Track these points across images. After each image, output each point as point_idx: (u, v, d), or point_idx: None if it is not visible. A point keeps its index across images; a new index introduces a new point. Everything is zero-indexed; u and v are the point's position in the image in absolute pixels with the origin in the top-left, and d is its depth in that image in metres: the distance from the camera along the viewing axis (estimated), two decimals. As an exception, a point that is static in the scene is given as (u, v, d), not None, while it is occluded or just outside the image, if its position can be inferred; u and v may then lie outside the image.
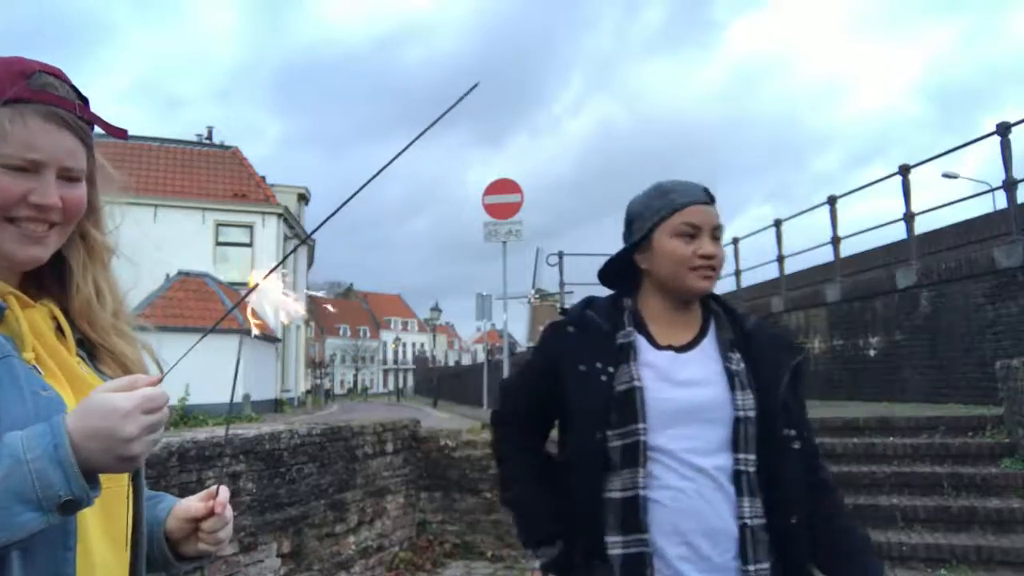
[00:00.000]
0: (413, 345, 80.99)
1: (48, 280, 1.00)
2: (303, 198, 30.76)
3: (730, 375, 1.44)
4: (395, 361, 68.96)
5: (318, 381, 51.99)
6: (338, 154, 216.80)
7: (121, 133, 1.01)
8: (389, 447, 5.92)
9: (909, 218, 9.12)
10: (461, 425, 9.01)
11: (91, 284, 1.01)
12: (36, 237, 0.92)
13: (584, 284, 15.46)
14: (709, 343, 1.51)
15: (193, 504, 1.06)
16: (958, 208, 17.13)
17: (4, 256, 0.91)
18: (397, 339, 71.92)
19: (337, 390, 65.28)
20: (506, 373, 11.16)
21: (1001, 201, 8.85)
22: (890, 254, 11.66)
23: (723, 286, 14.22)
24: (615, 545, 1.39)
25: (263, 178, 27.16)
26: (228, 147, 27.63)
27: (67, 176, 0.94)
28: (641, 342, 1.49)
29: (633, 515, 1.38)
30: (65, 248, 0.99)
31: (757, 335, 1.52)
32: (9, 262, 0.92)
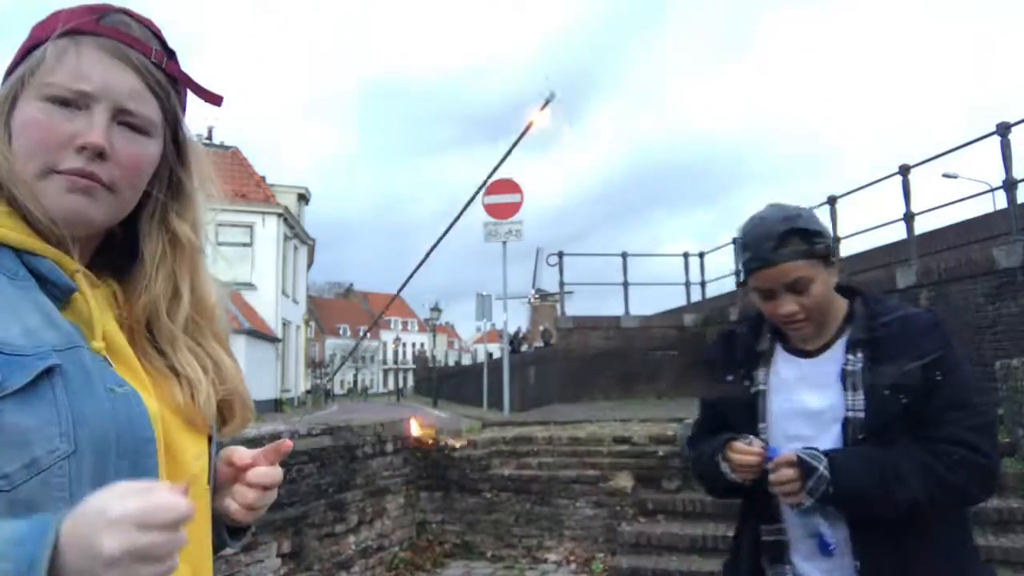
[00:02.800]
0: (413, 345, 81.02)
1: (118, 263, 0.85)
2: (303, 198, 30.79)
3: (843, 376, 1.44)
4: (395, 361, 68.99)
5: (318, 381, 52.01)
6: (395, 167, 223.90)
7: (216, 99, 0.87)
8: (389, 447, 5.92)
9: (909, 218, 9.12)
10: (461, 425, 9.01)
11: (164, 282, 0.84)
12: (81, 187, 0.75)
13: (584, 284, 15.51)
14: (840, 345, 1.49)
15: (242, 451, 0.89)
16: (958, 208, 17.14)
17: (50, 214, 0.75)
18: (397, 339, 71.93)
19: (337, 390, 65.30)
20: (506, 373, 11.15)
21: (1001, 201, 8.85)
22: (890, 254, 11.65)
23: (723, 286, 14.21)
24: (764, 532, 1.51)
25: (263, 178, 27.19)
26: (228, 147, 27.66)
27: (128, 123, 0.78)
28: (778, 348, 1.56)
29: (767, 506, 1.49)
30: (142, 234, 0.85)
31: (889, 331, 1.45)
32: (58, 221, 0.75)
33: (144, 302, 0.83)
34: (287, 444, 0.87)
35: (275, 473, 0.87)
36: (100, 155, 0.75)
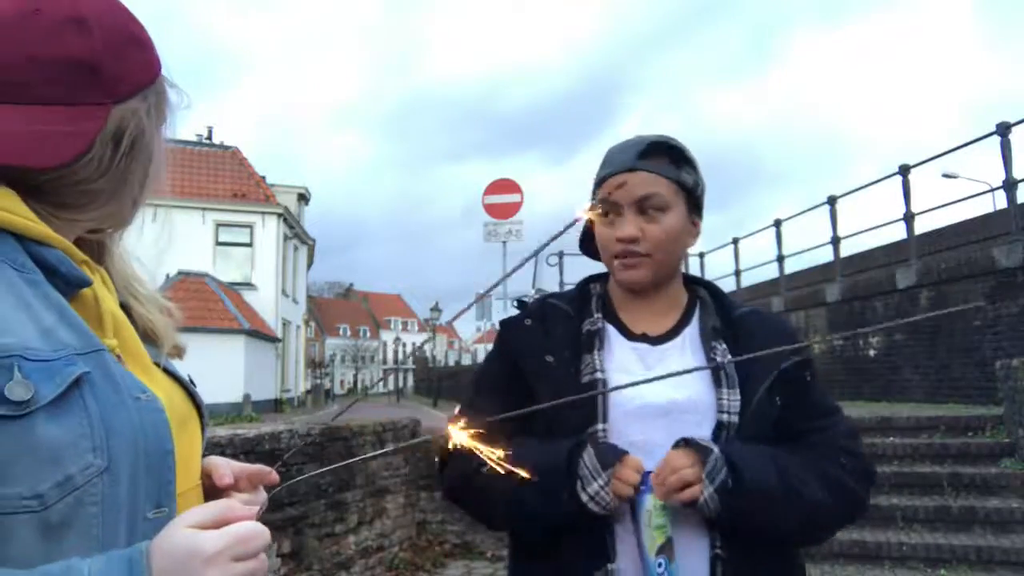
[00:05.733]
0: (413, 345, 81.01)
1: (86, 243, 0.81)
2: (303, 198, 30.78)
3: (715, 369, 1.18)
4: (395, 361, 68.97)
5: (318, 381, 51.99)
6: (421, 174, 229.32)
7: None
8: (389, 447, 5.92)
9: (909, 218, 9.12)
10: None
11: (120, 246, 0.84)
12: None
13: (584, 284, 15.44)
14: (691, 332, 1.25)
15: (222, 467, 0.83)
16: (958, 208, 17.16)
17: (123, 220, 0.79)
18: (397, 339, 71.94)
19: (337, 390, 65.27)
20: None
21: (1001, 201, 8.85)
22: (890, 254, 11.66)
23: (723, 286, 14.22)
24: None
25: (263, 178, 27.18)
26: (228, 147, 27.64)
27: None
28: (611, 331, 1.24)
29: (600, 540, 1.12)
30: None
31: (747, 324, 1.25)
32: (112, 225, 0.79)
33: (118, 267, 0.82)
34: (273, 476, 0.83)
35: (257, 502, 0.81)
36: None
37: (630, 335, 1.25)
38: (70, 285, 0.69)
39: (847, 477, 1.17)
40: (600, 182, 1.23)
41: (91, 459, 0.62)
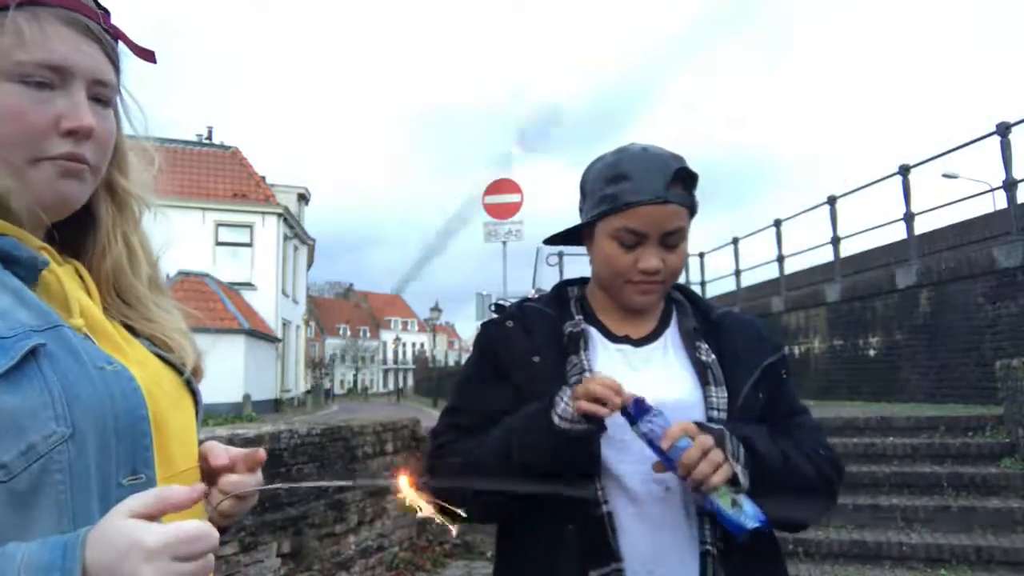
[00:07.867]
0: (413, 345, 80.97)
1: (69, 238, 0.80)
2: (303, 198, 30.78)
3: (701, 368, 1.20)
4: (395, 361, 68.98)
5: (319, 381, 52.00)
6: (434, 176, 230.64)
7: (149, 55, 0.82)
8: (389, 447, 5.92)
9: (909, 218, 9.12)
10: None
11: (121, 243, 0.81)
12: (74, 172, 0.73)
13: (584, 284, 15.42)
14: (672, 334, 1.27)
15: (217, 449, 0.82)
16: (958, 208, 17.13)
17: (36, 202, 0.72)
18: (397, 339, 71.95)
19: (337, 390, 65.26)
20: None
21: (1001, 201, 8.84)
22: (890, 254, 11.65)
23: (723, 286, 14.20)
24: None
25: (263, 178, 27.17)
26: (228, 147, 27.64)
27: (97, 97, 0.75)
28: (593, 333, 1.25)
29: (603, 540, 1.10)
30: (94, 201, 0.80)
31: (726, 324, 1.28)
32: (48, 208, 0.73)
33: (107, 267, 0.79)
34: (260, 454, 0.82)
35: (253, 483, 0.81)
36: (87, 136, 0.73)
37: (612, 337, 1.26)
38: (30, 270, 0.70)
39: (826, 465, 1.22)
40: (621, 208, 1.18)
41: (54, 427, 0.62)
